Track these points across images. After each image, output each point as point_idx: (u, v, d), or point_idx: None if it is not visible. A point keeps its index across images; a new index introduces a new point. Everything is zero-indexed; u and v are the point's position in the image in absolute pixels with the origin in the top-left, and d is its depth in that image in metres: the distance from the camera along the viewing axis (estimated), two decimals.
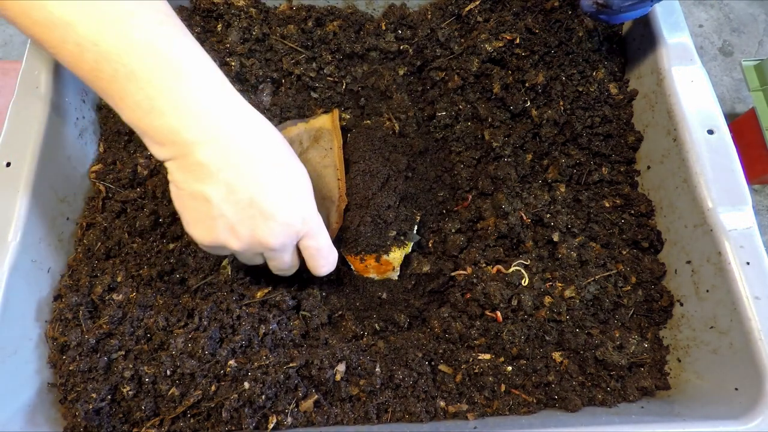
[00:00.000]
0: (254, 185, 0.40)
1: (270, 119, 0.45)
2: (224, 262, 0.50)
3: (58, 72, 0.51)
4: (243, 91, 0.59)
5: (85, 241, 0.51)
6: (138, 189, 0.54)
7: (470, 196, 0.58)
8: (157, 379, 0.43)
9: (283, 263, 0.46)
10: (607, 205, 0.56)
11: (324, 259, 0.47)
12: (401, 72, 0.63)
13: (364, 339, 0.50)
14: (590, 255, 0.52)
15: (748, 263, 0.43)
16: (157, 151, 0.39)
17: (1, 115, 0.49)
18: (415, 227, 0.57)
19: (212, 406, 0.42)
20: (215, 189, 0.39)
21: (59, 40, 0.35)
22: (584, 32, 0.57)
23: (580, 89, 0.57)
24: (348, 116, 0.62)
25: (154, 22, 0.36)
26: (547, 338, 0.48)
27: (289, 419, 0.42)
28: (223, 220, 0.40)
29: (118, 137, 0.57)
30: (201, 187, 0.39)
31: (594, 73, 0.57)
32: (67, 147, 0.52)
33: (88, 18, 0.34)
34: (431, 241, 0.58)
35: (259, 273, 0.53)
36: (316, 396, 0.43)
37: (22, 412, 0.43)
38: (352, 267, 0.57)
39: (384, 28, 0.63)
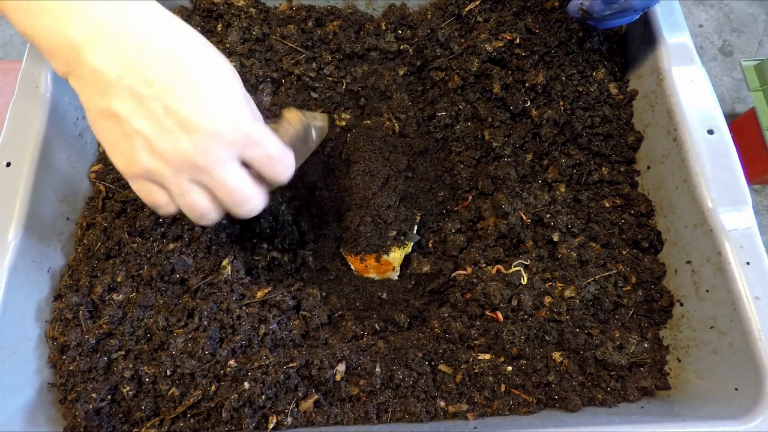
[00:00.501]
0: (165, 91, 0.34)
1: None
2: (224, 262, 0.50)
3: None
4: None
5: (85, 241, 0.51)
6: None
7: (470, 196, 0.58)
8: (157, 379, 0.43)
9: (233, 190, 0.37)
10: (607, 205, 0.56)
11: (280, 164, 0.40)
12: (401, 72, 0.63)
13: (364, 339, 0.50)
14: (590, 255, 0.52)
15: (748, 263, 0.43)
16: (55, 65, 0.35)
17: (1, 115, 0.49)
18: (415, 227, 0.57)
19: (212, 406, 0.42)
20: (121, 101, 0.33)
21: None
22: (584, 32, 0.57)
23: (580, 89, 0.57)
24: (348, 116, 0.62)
25: None
26: (547, 338, 0.48)
27: (289, 419, 0.42)
28: (139, 137, 0.34)
29: None
30: (106, 102, 0.34)
31: (594, 73, 0.57)
32: (67, 147, 0.52)
33: None
34: (431, 241, 0.58)
35: (258, 272, 0.54)
36: (316, 396, 0.43)
37: (22, 412, 0.43)
38: (352, 267, 0.57)
39: (384, 28, 0.63)
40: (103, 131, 0.36)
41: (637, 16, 0.49)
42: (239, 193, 0.38)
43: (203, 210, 0.38)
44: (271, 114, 0.59)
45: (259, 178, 0.40)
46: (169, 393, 0.43)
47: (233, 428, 0.42)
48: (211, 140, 0.35)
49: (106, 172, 0.55)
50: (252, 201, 0.39)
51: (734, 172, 0.47)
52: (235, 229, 0.53)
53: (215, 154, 0.35)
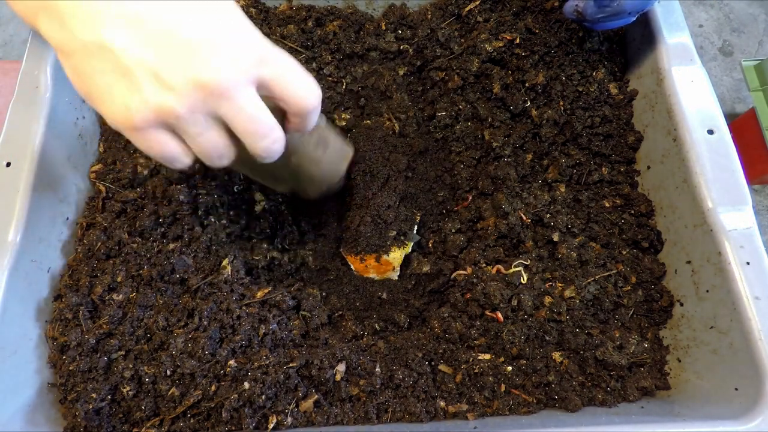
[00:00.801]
0: (163, 10, 0.29)
1: None
2: (224, 262, 0.50)
3: (58, 72, 0.51)
4: None
5: (85, 241, 0.51)
6: (138, 189, 0.54)
7: (470, 196, 0.58)
8: (157, 379, 0.43)
9: (253, 118, 0.33)
10: (607, 205, 0.56)
11: (303, 84, 0.35)
12: (401, 72, 0.63)
13: (364, 339, 0.50)
14: (590, 255, 0.52)
15: (748, 263, 0.43)
16: (19, 7, 0.30)
17: (1, 115, 0.49)
18: (415, 227, 0.57)
19: (212, 406, 0.42)
20: (112, 29, 0.29)
21: None
22: (584, 32, 0.57)
23: (580, 89, 0.57)
24: (348, 116, 0.62)
25: None
26: (547, 338, 0.48)
27: (289, 419, 0.42)
28: (141, 69, 0.29)
29: (118, 137, 0.57)
30: (94, 34, 0.29)
31: (594, 73, 0.57)
32: (67, 147, 0.52)
33: None
34: (431, 241, 0.58)
35: (258, 272, 0.54)
36: (316, 396, 0.43)
37: (22, 412, 0.43)
38: (352, 267, 0.57)
39: (384, 28, 0.63)
40: (92, 75, 0.30)
41: (633, 19, 0.50)
42: (260, 122, 0.33)
43: (223, 149, 0.34)
44: None
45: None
46: (169, 393, 0.43)
47: (233, 428, 0.42)
48: (225, 58, 0.31)
49: (106, 172, 0.55)
50: (272, 134, 0.35)
51: (734, 172, 0.47)
52: (235, 229, 0.53)
53: (232, 75, 0.31)
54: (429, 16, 0.64)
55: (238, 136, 0.34)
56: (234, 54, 0.31)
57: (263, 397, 0.42)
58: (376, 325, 0.53)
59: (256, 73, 0.33)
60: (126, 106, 0.30)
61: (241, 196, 0.55)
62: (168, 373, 0.43)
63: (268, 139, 0.34)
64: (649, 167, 0.55)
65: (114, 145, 0.57)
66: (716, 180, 0.47)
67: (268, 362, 0.44)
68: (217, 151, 0.34)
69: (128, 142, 0.57)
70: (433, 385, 0.46)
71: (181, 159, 0.34)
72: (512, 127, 0.59)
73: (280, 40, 0.61)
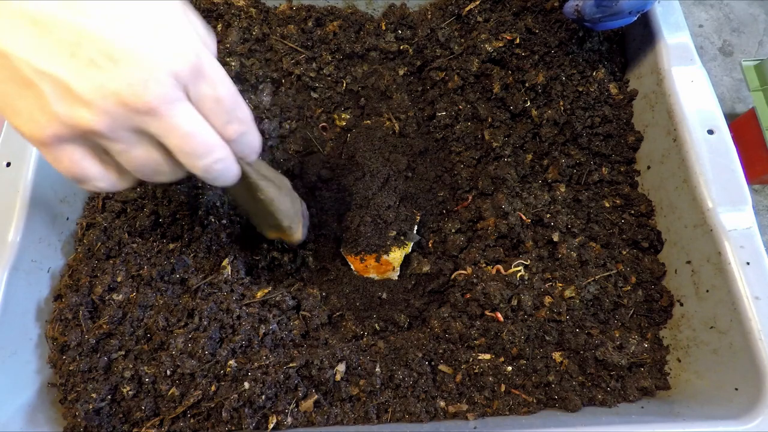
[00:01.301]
0: (74, 8, 0.24)
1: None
2: (224, 262, 0.50)
3: None
4: (243, 91, 0.59)
5: (85, 241, 0.51)
6: (138, 189, 0.54)
7: (470, 196, 0.58)
8: (157, 379, 0.43)
9: (188, 135, 0.28)
10: (607, 205, 0.56)
11: (231, 114, 0.30)
12: (401, 72, 0.63)
13: (364, 339, 0.50)
14: (590, 255, 0.52)
15: (748, 263, 0.43)
16: None
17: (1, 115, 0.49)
18: (415, 227, 0.57)
19: (212, 406, 0.42)
20: (11, 31, 0.24)
21: None
22: (584, 32, 0.57)
23: (580, 89, 0.57)
24: (348, 116, 0.62)
25: None
26: (547, 338, 0.48)
27: (289, 419, 0.42)
28: (47, 82, 0.25)
29: None
30: None
31: (594, 73, 0.57)
32: None
33: None
34: (431, 241, 0.58)
35: (258, 272, 0.54)
36: (316, 396, 0.43)
37: (22, 412, 0.43)
38: (352, 267, 0.57)
39: (384, 28, 0.63)
40: None
41: (633, 19, 0.50)
42: (197, 139, 0.28)
43: (154, 164, 0.29)
44: (270, 114, 0.59)
45: None
46: (169, 393, 0.43)
47: (233, 428, 0.42)
48: (150, 70, 0.26)
49: None
50: (215, 153, 0.30)
51: (734, 172, 0.47)
52: (235, 229, 0.53)
53: (158, 90, 0.26)
54: (429, 16, 0.64)
55: (174, 156, 0.29)
56: (164, 64, 0.26)
57: (263, 397, 0.42)
58: (376, 325, 0.53)
59: (188, 87, 0.28)
60: (33, 120, 0.26)
61: None
62: (168, 373, 0.43)
63: (208, 158, 0.30)
64: (649, 167, 0.55)
65: None
66: (716, 180, 0.47)
67: (268, 362, 0.44)
68: (149, 167, 0.30)
69: None
70: (433, 385, 0.46)
71: (97, 183, 0.29)
72: (512, 127, 0.59)
73: (280, 40, 0.61)
